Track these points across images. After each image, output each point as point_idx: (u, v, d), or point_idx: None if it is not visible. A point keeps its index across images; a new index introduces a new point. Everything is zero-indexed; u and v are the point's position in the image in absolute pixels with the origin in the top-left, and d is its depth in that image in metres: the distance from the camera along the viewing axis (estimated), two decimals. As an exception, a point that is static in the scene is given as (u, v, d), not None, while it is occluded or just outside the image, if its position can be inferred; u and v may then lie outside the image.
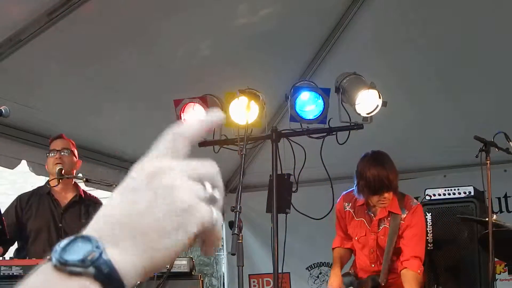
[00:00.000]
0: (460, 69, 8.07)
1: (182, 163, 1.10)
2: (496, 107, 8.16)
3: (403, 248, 5.65)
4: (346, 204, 5.95)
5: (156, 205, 1.02)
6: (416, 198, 8.79)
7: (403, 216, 5.71)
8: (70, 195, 6.36)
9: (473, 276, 7.05)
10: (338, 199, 6.13)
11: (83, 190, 6.46)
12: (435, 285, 7.02)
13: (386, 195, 5.62)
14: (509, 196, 8.84)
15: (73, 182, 6.43)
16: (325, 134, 7.20)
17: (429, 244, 7.20)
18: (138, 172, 1.07)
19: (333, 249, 6.17)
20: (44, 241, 6.19)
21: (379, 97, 7.22)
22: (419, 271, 5.64)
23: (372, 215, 5.81)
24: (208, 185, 1.11)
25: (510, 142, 6.00)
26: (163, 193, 1.03)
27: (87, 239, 0.97)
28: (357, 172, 5.79)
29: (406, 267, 5.58)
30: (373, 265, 5.76)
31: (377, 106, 7.26)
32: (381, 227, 5.75)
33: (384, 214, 5.75)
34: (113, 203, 1.04)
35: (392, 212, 5.73)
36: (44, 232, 6.22)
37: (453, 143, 8.45)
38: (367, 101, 7.22)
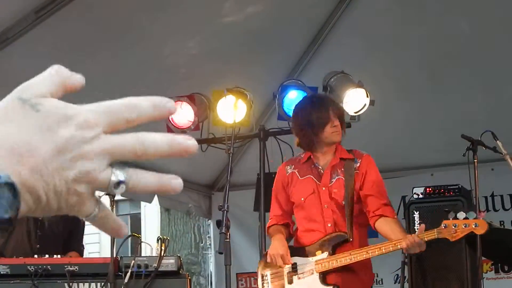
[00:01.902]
0: (448, 68, 8.09)
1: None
2: (484, 106, 8.18)
3: (368, 199, 5.14)
4: (289, 167, 5.34)
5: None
6: (404, 197, 8.86)
7: (356, 165, 5.21)
8: None
9: (461, 275, 7.06)
10: (278, 169, 5.57)
11: None
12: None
13: (336, 122, 5.12)
14: (496, 195, 8.87)
15: None
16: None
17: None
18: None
19: (268, 228, 5.47)
20: None
21: (367, 96, 7.24)
22: (395, 216, 5.26)
23: (321, 168, 5.22)
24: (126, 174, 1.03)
25: (498, 141, 6.01)
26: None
27: None
28: (297, 117, 5.30)
29: (381, 215, 5.10)
30: (329, 225, 5.09)
31: (365, 105, 7.27)
32: (334, 180, 5.15)
33: (336, 161, 5.19)
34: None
35: (343, 158, 5.21)
36: None
37: (441, 142, 8.46)
38: (354, 100, 7.24)
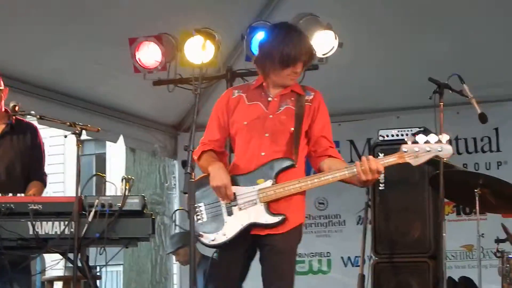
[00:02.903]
0: (416, 13, 8.09)
1: None
2: (452, 51, 8.21)
3: (320, 139, 4.90)
4: (236, 91, 5.03)
5: None
6: (369, 139, 8.92)
7: (309, 97, 4.93)
8: (1, 127, 6.08)
9: (423, 217, 7.17)
10: (224, 93, 5.18)
11: (15, 118, 6.03)
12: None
13: (299, 68, 4.87)
14: (460, 138, 8.96)
15: (3, 110, 6.08)
16: (280, 74, 7.20)
17: (380, 184, 7.30)
18: None
19: (201, 153, 4.95)
20: None
21: (335, 38, 7.24)
22: (342, 159, 4.94)
23: (270, 96, 4.93)
24: None
25: (464, 85, 6.04)
26: None
27: None
28: (269, 44, 4.93)
29: (329, 155, 4.86)
30: (263, 153, 4.79)
31: (333, 47, 7.28)
32: (282, 108, 4.88)
33: (287, 91, 4.92)
34: None
35: (295, 91, 4.94)
36: None
37: (408, 85, 8.50)
38: (323, 42, 7.24)
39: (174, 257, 9.43)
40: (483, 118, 6.09)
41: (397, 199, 7.27)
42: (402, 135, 7.08)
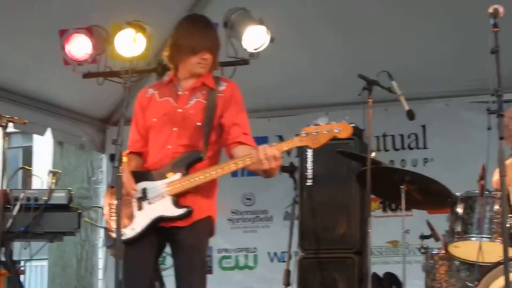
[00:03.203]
0: (348, 8, 8.14)
1: None
2: (381, 47, 8.29)
3: (232, 127, 4.87)
4: (151, 89, 5.01)
5: None
6: (298, 135, 8.95)
7: (221, 88, 4.90)
8: None
9: (349, 212, 7.23)
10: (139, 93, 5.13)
11: None
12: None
13: (208, 55, 4.84)
14: (388, 135, 9.06)
15: None
16: (211, 68, 7.20)
17: (308, 180, 7.34)
18: None
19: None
20: None
21: (267, 33, 7.26)
22: (255, 145, 4.79)
23: (181, 90, 4.92)
24: None
25: (393, 81, 6.11)
26: None
27: None
28: (173, 35, 4.96)
29: (240, 142, 4.81)
30: (169, 147, 4.79)
31: (265, 42, 7.30)
32: (191, 102, 4.87)
33: (198, 84, 4.89)
34: None
35: (206, 85, 4.91)
36: None
37: (337, 80, 8.56)
38: (254, 37, 7.25)
39: (99, 252, 9.38)
40: (411, 115, 6.17)
41: (324, 195, 7.32)
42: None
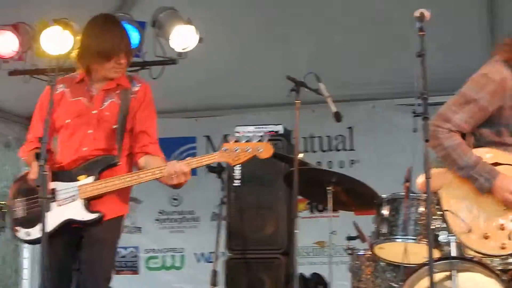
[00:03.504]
0: (276, 9, 8.16)
1: None
2: (311, 49, 8.33)
3: (140, 134, 4.84)
4: (60, 85, 4.86)
5: None
6: (226, 136, 8.94)
7: (135, 89, 4.87)
8: None
9: (277, 213, 7.25)
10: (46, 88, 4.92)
11: None
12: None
13: (124, 60, 4.78)
14: (315, 136, 9.11)
15: None
16: (139, 68, 7.17)
17: (235, 181, 7.34)
18: None
19: (28, 151, 4.88)
20: None
21: (196, 33, 7.23)
22: (163, 156, 4.87)
23: (94, 90, 4.82)
24: None
25: (321, 83, 6.14)
26: None
27: None
28: (84, 37, 4.86)
29: (148, 153, 4.80)
30: (84, 149, 4.71)
31: (193, 42, 7.27)
32: (106, 103, 4.79)
33: (112, 85, 4.82)
34: None
35: (121, 85, 4.84)
36: None
37: (265, 81, 8.56)
38: (183, 37, 7.22)
39: (25, 252, 9.21)
40: (338, 116, 6.21)
41: (252, 195, 7.33)
42: (258, 131, 7.14)
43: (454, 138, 4.05)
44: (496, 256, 4.14)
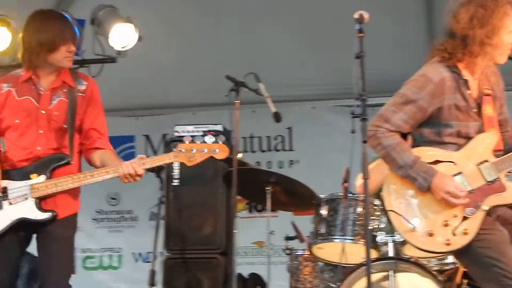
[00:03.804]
0: (218, 7, 8.15)
1: None
2: (250, 49, 8.33)
3: (90, 131, 4.82)
4: (6, 85, 4.77)
5: None
6: (165, 135, 8.91)
7: (82, 87, 4.80)
8: None
9: (215, 213, 7.23)
10: None
11: None
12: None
13: (73, 47, 4.71)
14: (254, 137, 9.12)
15: None
16: (77, 66, 7.10)
17: (174, 180, 7.30)
18: None
19: None
20: None
21: (135, 31, 7.19)
22: (113, 150, 4.89)
23: (42, 89, 4.74)
24: None
25: (260, 83, 6.15)
26: None
27: None
28: (28, 30, 4.76)
29: (97, 147, 4.78)
30: (38, 148, 4.66)
31: (132, 40, 7.23)
32: (54, 102, 4.73)
33: (58, 84, 4.75)
34: None
35: (66, 83, 4.78)
36: None
37: (205, 81, 8.55)
38: (122, 35, 7.18)
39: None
40: (277, 117, 6.22)
41: (191, 195, 7.30)
42: (198, 131, 7.12)
43: (393, 137, 4.08)
44: (442, 253, 4.18)
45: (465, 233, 4.00)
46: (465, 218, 4.03)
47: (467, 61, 4.16)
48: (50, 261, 4.63)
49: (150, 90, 8.84)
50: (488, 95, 4.25)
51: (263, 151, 9.17)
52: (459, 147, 4.16)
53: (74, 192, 4.74)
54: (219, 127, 7.14)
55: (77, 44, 4.86)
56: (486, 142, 4.17)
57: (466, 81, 4.17)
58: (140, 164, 4.59)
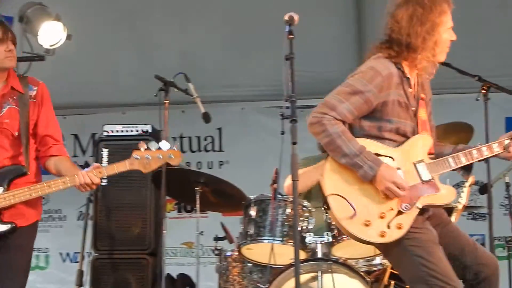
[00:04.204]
0: (146, 5, 8.12)
1: None
2: (180, 49, 8.31)
3: (44, 138, 4.78)
4: None
5: None
6: (94, 134, 8.84)
7: (32, 93, 4.76)
8: None
9: (144, 213, 7.19)
10: None
11: None
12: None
13: (12, 45, 4.67)
14: (184, 137, 9.11)
15: None
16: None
17: (103, 180, 7.22)
18: None
19: None
20: None
21: (64, 30, 7.12)
22: (68, 155, 4.92)
23: None
24: None
25: (190, 84, 6.14)
26: None
27: None
28: None
29: (53, 155, 4.78)
30: None
31: (61, 39, 7.16)
32: (4, 109, 4.68)
33: (7, 90, 4.70)
34: None
35: (16, 90, 4.73)
36: None
37: (135, 80, 8.51)
38: (50, 33, 7.10)
39: None
40: (206, 117, 6.22)
41: (120, 195, 7.25)
42: (127, 131, 7.09)
43: (339, 125, 4.09)
44: (375, 244, 4.20)
45: (399, 227, 4.05)
46: (400, 212, 4.07)
47: (411, 59, 4.24)
48: (5, 270, 4.59)
49: (79, 89, 8.76)
50: (422, 99, 4.34)
51: (193, 152, 9.15)
52: (396, 144, 4.21)
53: (34, 200, 4.69)
54: (148, 127, 7.11)
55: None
56: (423, 143, 4.26)
57: (408, 79, 4.25)
58: (96, 173, 4.62)
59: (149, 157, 4.56)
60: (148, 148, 4.57)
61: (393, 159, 4.16)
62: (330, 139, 4.09)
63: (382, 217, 4.07)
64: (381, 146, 4.16)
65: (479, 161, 4.39)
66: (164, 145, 4.60)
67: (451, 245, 4.27)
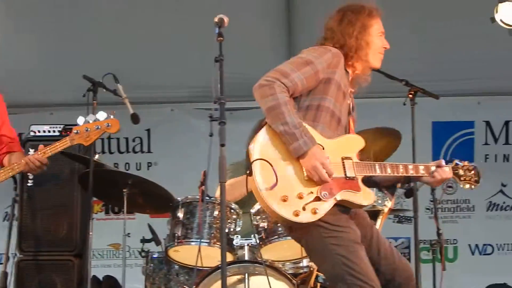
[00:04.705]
0: (81, 6, 8.05)
1: None
2: (112, 48, 8.27)
3: (1, 137, 5.21)
4: None
5: None
6: (21, 134, 8.71)
7: None
8: None
9: (71, 214, 7.13)
10: None
11: None
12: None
13: None
14: (113, 138, 9.06)
15: None
16: None
17: (29, 180, 7.15)
18: None
19: None
20: None
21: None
22: (22, 150, 5.35)
23: None
24: None
25: (118, 84, 6.12)
26: None
27: None
28: None
29: (7, 151, 5.21)
30: None
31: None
32: None
33: None
34: None
35: None
36: None
37: (63, 80, 8.45)
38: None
39: None
40: (135, 118, 6.20)
41: (46, 196, 7.17)
42: (54, 131, 7.02)
43: (287, 94, 4.13)
44: (288, 222, 4.20)
45: (314, 212, 4.08)
46: (318, 199, 4.11)
47: (349, 58, 4.37)
48: None
49: (6, 88, 8.62)
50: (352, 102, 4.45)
51: (121, 153, 9.11)
52: (330, 132, 4.25)
53: None
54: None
55: None
56: (356, 144, 4.36)
57: (348, 73, 4.37)
58: (42, 154, 4.91)
59: (88, 129, 4.65)
60: (86, 121, 4.67)
61: (323, 148, 4.19)
62: (276, 103, 4.10)
63: (300, 198, 4.09)
64: (315, 134, 4.20)
65: (404, 178, 4.50)
66: (101, 115, 4.71)
67: (369, 248, 4.33)
